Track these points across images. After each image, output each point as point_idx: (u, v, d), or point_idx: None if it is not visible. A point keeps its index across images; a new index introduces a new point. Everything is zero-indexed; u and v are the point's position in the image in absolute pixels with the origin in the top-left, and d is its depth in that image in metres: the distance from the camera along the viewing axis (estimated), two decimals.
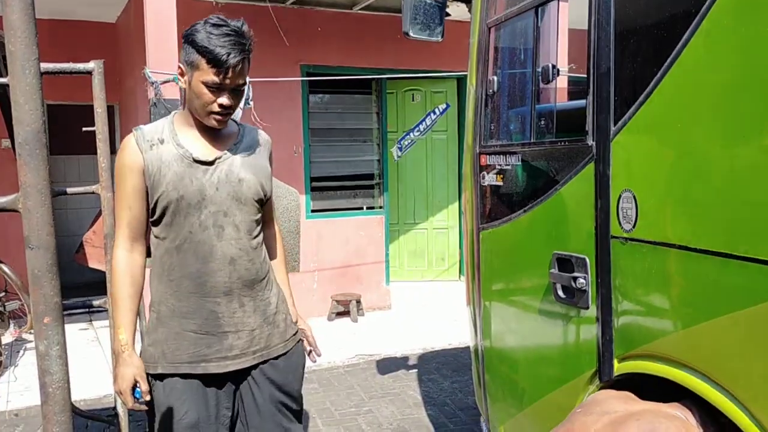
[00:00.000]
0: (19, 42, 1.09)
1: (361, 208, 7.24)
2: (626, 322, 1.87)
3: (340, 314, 6.74)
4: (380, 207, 7.29)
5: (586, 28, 1.95)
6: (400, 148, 7.82)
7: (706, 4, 1.56)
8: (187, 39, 1.85)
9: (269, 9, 6.25)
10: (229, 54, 1.80)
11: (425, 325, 6.39)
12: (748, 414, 1.49)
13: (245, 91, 1.97)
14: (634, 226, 1.80)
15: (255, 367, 2.02)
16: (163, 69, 4.72)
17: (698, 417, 1.66)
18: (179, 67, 1.91)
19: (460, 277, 7.85)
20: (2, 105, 2.65)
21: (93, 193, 2.75)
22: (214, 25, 1.84)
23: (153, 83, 4.65)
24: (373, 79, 7.02)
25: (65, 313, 1.16)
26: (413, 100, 7.75)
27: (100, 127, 2.79)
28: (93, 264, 2.94)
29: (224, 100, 1.87)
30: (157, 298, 1.98)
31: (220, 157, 1.96)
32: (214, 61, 1.80)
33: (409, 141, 7.82)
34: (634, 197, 1.79)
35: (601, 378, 1.95)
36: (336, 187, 7.13)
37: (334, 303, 6.70)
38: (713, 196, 1.56)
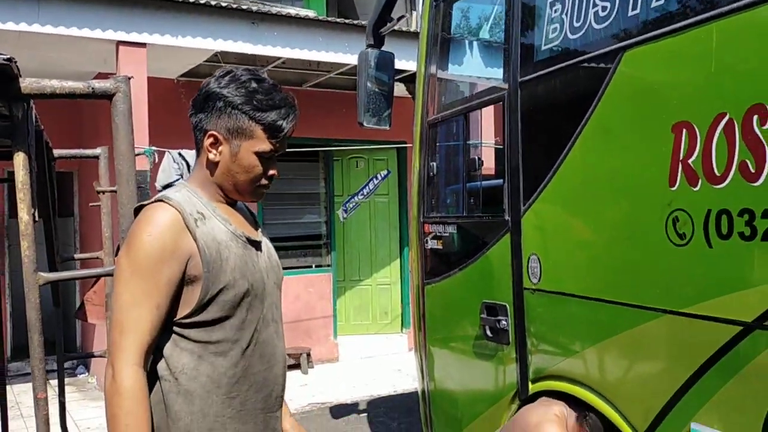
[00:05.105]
0: (126, 164, 1.65)
1: (311, 267, 7.77)
2: (536, 352, 2.48)
3: (291, 367, 7.16)
4: (328, 265, 7.84)
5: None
6: (346, 210, 8.43)
7: (579, 126, 2.24)
8: (227, 102, 1.46)
9: None
10: (287, 117, 1.49)
11: (372, 375, 6.89)
12: (611, 405, 2.12)
13: None
14: (539, 280, 2.43)
15: None
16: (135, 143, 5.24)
17: (575, 408, 2.28)
18: (212, 135, 1.48)
19: (402, 330, 8.41)
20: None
21: (98, 258, 3.23)
22: (256, 80, 1.48)
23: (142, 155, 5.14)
24: (321, 150, 7.66)
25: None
26: (357, 167, 8.42)
27: (105, 202, 3.29)
28: (92, 320, 3.38)
29: (274, 169, 1.56)
30: (201, 429, 1.45)
31: (260, 239, 1.61)
32: (273, 129, 1.47)
33: (354, 204, 8.44)
34: (539, 258, 2.43)
35: (519, 396, 2.55)
36: (287, 247, 7.66)
37: None
38: (590, 259, 2.22)
